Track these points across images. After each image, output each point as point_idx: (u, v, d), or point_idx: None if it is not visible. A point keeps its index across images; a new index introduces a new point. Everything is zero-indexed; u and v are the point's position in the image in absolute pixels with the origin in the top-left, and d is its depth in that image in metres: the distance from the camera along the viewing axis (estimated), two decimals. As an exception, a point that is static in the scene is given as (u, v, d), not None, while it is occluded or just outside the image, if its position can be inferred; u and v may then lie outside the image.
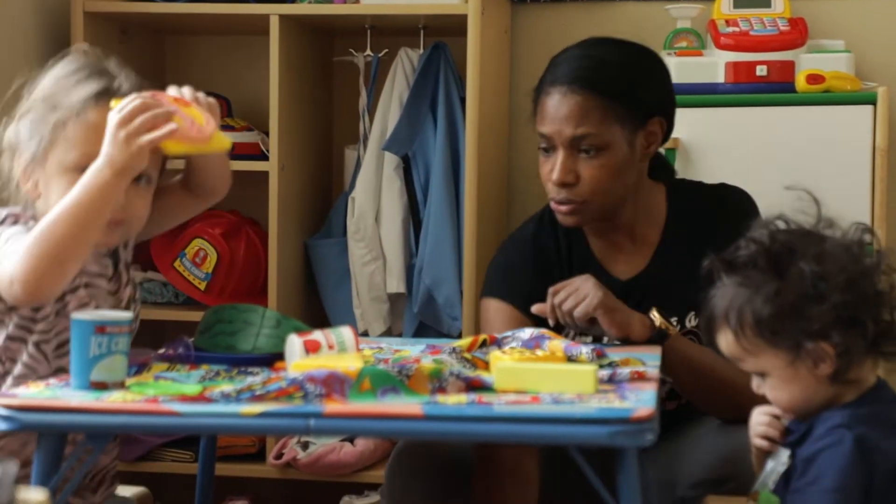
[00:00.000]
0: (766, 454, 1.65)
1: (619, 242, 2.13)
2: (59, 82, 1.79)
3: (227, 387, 1.55)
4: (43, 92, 1.79)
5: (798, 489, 1.55)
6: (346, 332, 1.73)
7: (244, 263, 2.94)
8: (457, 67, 2.85)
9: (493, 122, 2.85)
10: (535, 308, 1.98)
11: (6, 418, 1.50)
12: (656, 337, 1.97)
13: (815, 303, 1.54)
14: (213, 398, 1.51)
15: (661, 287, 2.06)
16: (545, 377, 1.58)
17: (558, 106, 2.04)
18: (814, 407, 1.59)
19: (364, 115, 2.94)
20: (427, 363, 1.64)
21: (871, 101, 2.62)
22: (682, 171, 2.64)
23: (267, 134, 2.87)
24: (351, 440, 2.83)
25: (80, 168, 1.70)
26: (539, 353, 1.75)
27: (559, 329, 1.97)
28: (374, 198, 2.87)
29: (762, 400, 1.64)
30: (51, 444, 1.54)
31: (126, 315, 1.61)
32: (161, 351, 1.81)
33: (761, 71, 2.67)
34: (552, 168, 2.05)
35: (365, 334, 2.83)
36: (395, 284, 2.85)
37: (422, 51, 2.89)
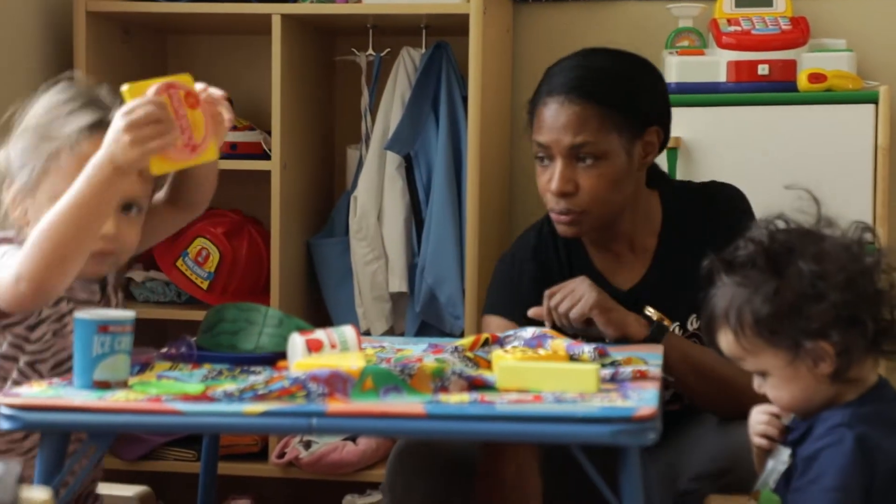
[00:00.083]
0: (766, 453, 1.65)
1: (620, 253, 2.13)
2: (52, 111, 1.79)
3: (229, 386, 1.55)
4: (35, 120, 1.79)
5: (799, 488, 1.55)
6: (348, 331, 1.73)
7: (246, 262, 2.95)
8: (459, 67, 2.86)
9: (495, 122, 2.85)
10: (532, 312, 1.98)
11: (9, 417, 1.50)
12: (655, 332, 1.97)
13: (814, 302, 1.54)
14: (216, 397, 1.52)
15: (660, 293, 2.06)
16: (547, 376, 1.58)
17: (556, 115, 2.04)
18: (814, 406, 1.59)
19: (366, 114, 2.94)
20: (429, 362, 1.64)
21: (872, 100, 2.62)
22: (684, 170, 2.64)
23: (269, 133, 2.88)
24: (353, 439, 2.84)
25: None
26: (541, 352, 1.75)
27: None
28: (377, 197, 2.87)
29: (763, 398, 1.64)
30: (54, 443, 1.54)
31: (129, 314, 1.61)
32: (164, 350, 1.81)
33: (763, 70, 2.68)
34: (550, 178, 2.05)
35: (367, 333, 2.83)
36: (398, 284, 2.85)
37: (424, 50, 2.89)
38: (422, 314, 2.83)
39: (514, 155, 3.05)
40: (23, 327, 1.76)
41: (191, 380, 1.65)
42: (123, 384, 1.59)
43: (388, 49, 2.94)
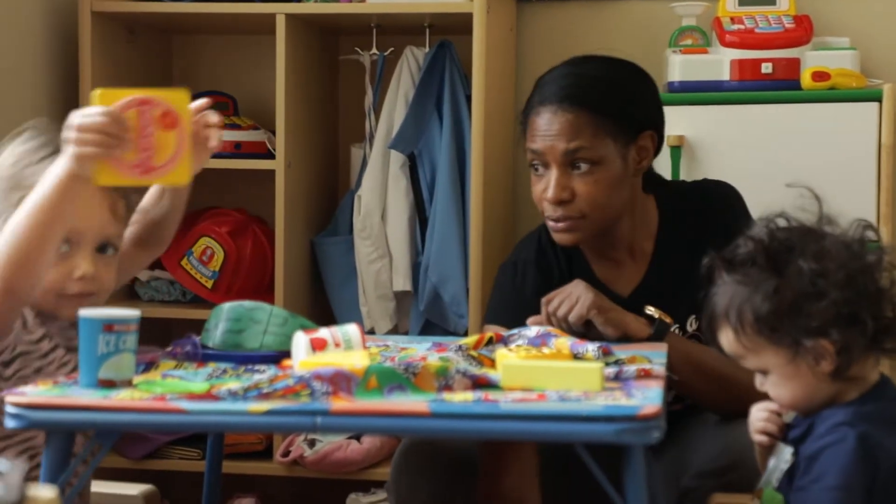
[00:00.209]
0: (768, 451, 1.65)
1: (619, 260, 2.13)
2: (22, 160, 1.79)
3: (234, 385, 1.55)
4: (4, 171, 1.79)
5: (802, 487, 1.55)
6: (352, 329, 1.73)
7: (251, 261, 2.95)
8: (462, 66, 2.86)
9: (499, 121, 2.85)
10: (531, 321, 1.97)
11: (15, 416, 1.50)
12: (658, 330, 1.97)
13: (814, 300, 1.54)
14: (221, 396, 1.52)
15: (659, 296, 2.05)
16: (551, 375, 1.58)
17: (550, 123, 2.04)
18: (816, 404, 1.59)
19: (370, 113, 2.95)
20: (433, 361, 1.64)
21: (876, 98, 2.62)
22: (687, 169, 2.64)
23: (273, 132, 2.88)
24: (357, 438, 2.84)
25: None
26: (545, 350, 1.75)
27: None
28: (381, 196, 2.87)
29: (764, 397, 1.64)
30: (59, 441, 1.54)
31: (134, 313, 1.61)
32: (168, 349, 1.81)
33: (766, 68, 2.68)
34: (546, 186, 2.05)
35: (371, 332, 2.83)
36: (402, 282, 2.85)
37: (427, 49, 2.89)
38: (426, 313, 2.84)
39: (517, 153, 3.05)
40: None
41: (195, 379, 1.65)
42: (128, 383, 1.59)
43: (392, 48, 2.94)
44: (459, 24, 2.76)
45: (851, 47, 2.74)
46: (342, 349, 1.70)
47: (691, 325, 2.08)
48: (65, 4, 2.92)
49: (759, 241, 1.59)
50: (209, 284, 2.93)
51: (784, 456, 1.61)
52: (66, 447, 1.55)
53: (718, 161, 2.64)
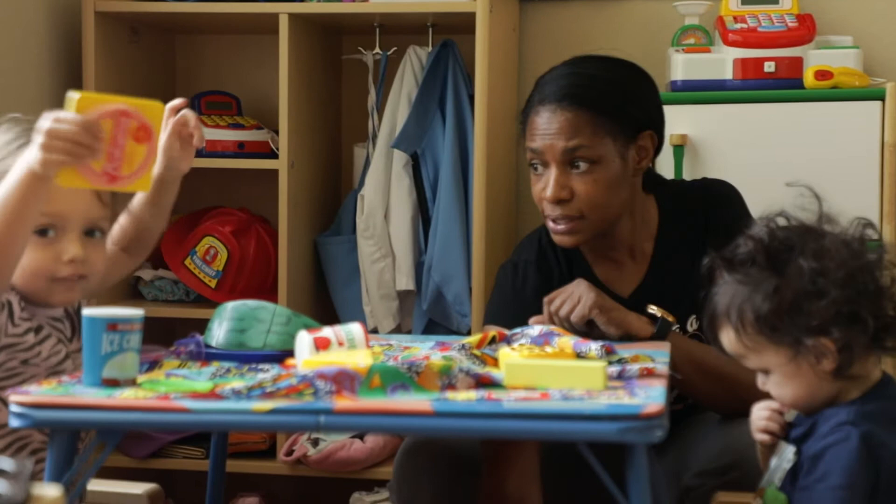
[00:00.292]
0: (770, 450, 1.65)
1: (620, 260, 2.13)
2: (1, 150, 1.79)
3: (237, 384, 1.56)
4: None
5: (805, 486, 1.55)
6: (355, 328, 1.73)
7: (254, 261, 2.96)
8: (465, 65, 2.86)
9: (502, 120, 2.86)
10: (533, 321, 1.97)
11: (19, 415, 1.51)
12: (660, 329, 1.97)
13: (814, 298, 1.54)
14: (224, 395, 1.52)
15: (660, 296, 2.05)
16: (554, 374, 1.58)
17: (549, 122, 2.04)
18: (818, 403, 1.59)
19: (373, 112, 2.95)
20: (436, 360, 1.64)
21: (879, 96, 2.62)
22: (690, 168, 2.65)
23: (276, 132, 2.88)
24: (361, 437, 2.84)
25: (37, 228, 1.72)
26: (548, 349, 1.75)
27: None
28: (384, 195, 2.88)
29: (766, 396, 1.64)
30: (63, 440, 1.55)
31: (138, 312, 1.61)
32: (172, 348, 1.82)
33: (769, 67, 2.68)
34: (545, 186, 2.05)
35: (374, 331, 2.84)
36: (405, 282, 2.86)
37: (430, 49, 2.90)
38: (429, 312, 2.84)
39: (520, 153, 3.05)
40: None
41: (199, 378, 1.65)
42: (132, 382, 1.59)
43: (395, 48, 2.95)
44: (462, 24, 2.76)
45: (854, 46, 2.74)
46: (345, 348, 1.70)
47: (692, 325, 2.08)
48: (68, 4, 2.93)
49: (759, 241, 1.59)
50: (213, 284, 2.93)
51: (786, 455, 1.61)
52: (70, 446, 1.55)
53: (721, 160, 2.64)
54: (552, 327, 1.88)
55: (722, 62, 2.70)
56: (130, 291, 3.03)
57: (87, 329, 1.59)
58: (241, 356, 1.79)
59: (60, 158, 1.61)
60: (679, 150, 2.64)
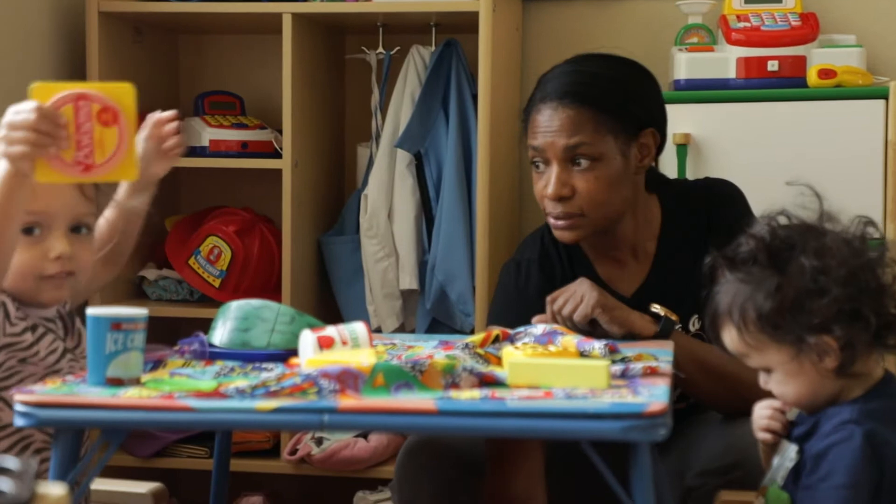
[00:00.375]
0: (772, 449, 1.65)
1: (622, 259, 2.13)
2: None
3: (241, 383, 1.56)
4: None
5: (809, 485, 1.55)
6: (359, 328, 1.74)
7: (258, 261, 2.96)
8: (468, 65, 2.86)
9: (505, 119, 2.86)
10: (536, 320, 1.98)
11: (24, 414, 1.51)
12: (664, 328, 1.97)
13: (815, 297, 1.54)
14: (228, 394, 1.53)
15: (662, 296, 2.05)
16: (558, 372, 1.58)
17: (550, 119, 2.04)
18: (820, 401, 1.59)
19: (376, 112, 2.95)
20: (440, 359, 1.64)
21: (882, 95, 2.62)
22: (693, 167, 2.65)
23: (280, 132, 2.89)
24: (365, 436, 2.84)
25: (23, 227, 1.72)
26: (552, 348, 1.75)
27: None
28: (387, 195, 2.88)
29: (768, 395, 1.64)
30: (68, 439, 1.55)
31: (142, 312, 1.62)
32: (176, 348, 1.82)
33: (773, 66, 2.68)
34: (546, 183, 2.05)
35: (378, 331, 2.84)
36: (408, 281, 2.86)
37: (433, 48, 2.90)
38: (432, 311, 2.84)
39: (523, 152, 3.05)
40: None
41: (203, 377, 1.66)
42: (136, 381, 1.60)
43: (398, 47, 2.95)
44: (465, 23, 2.76)
45: (858, 45, 2.74)
46: (349, 347, 1.71)
47: (694, 324, 2.08)
48: (72, 4, 2.93)
49: (760, 239, 1.59)
50: (216, 283, 2.93)
51: (789, 454, 1.61)
52: (74, 445, 1.56)
53: (725, 159, 2.64)
54: (555, 326, 1.88)
55: (725, 61, 2.70)
56: (134, 291, 3.04)
57: (91, 328, 1.59)
58: (245, 355, 1.79)
59: (23, 150, 1.58)
60: (682, 149, 2.64)
